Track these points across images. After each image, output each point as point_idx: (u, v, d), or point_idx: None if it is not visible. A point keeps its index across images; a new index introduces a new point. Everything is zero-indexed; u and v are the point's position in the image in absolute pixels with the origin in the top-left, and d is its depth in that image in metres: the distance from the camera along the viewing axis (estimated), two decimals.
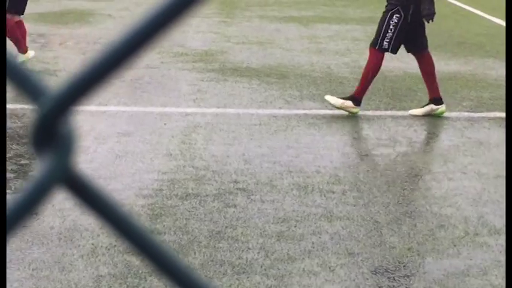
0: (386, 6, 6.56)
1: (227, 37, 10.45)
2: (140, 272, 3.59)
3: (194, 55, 9.05)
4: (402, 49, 6.68)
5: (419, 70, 6.76)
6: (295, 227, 4.18)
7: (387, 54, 6.63)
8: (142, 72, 7.97)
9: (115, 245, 3.85)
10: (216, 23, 11.78)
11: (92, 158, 5.21)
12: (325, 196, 4.66)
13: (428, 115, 6.54)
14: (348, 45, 10.01)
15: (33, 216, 4.16)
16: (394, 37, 6.39)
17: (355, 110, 6.47)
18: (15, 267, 3.58)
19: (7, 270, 3.55)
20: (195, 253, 3.81)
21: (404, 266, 3.80)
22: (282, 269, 3.67)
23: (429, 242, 4.08)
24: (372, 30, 11.41)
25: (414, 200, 4.65)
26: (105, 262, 3.67)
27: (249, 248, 3.88)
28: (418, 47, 6.56)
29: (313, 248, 3.92)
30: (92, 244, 3.86)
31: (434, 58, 6.74)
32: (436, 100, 6.53)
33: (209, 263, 3.70)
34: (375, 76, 6.54)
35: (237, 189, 4.74)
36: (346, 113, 6.52)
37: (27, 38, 8.36)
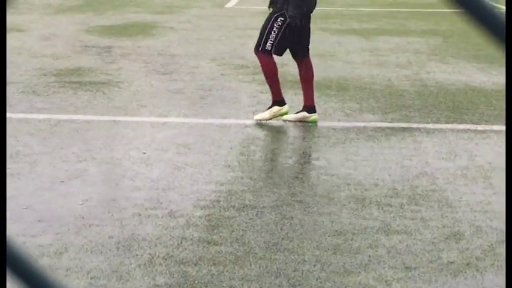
0: (272, 9, 6.55)
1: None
2: (196, 282, 3.61)
3: (255, 67, 9.07)
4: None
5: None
6: (351, 240, 4.16)
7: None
8: (203, 84, 8.04)
9: (172, 255, 3.89)
10: None
11: (151, 169, 5.27)
12: (382, 209, 4.63)
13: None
14: (409, 57, 9.94)
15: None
16: (277, 39, 6.45)
17: (284, 109, 6.53)
18: (73, 276, 3.64)
19: (66, 278, 3.61)
20: (250, 264, 3.82)
21: (462, 281, 3.74)
22: (337, 282, 3.66)
23: (489, 257, 4.02)
24: (434, 42, 11.33)
25: (474, 215, 4.59)
26: (162, 272, 3.70)
27: (304, 260, 3.88)
28: (301, 52, 6.64)
29: (370, 261, 3.89)
30: (149, 254, 3.90)
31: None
32: (310, 108, 6.58)
33: (265, 274, 3.71)
34: (275, 75, 6.60)
35: (294, 201, 4.74)
36: (406, 125, 6.51)
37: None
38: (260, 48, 6.54)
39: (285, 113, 6.48)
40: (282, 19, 6.39)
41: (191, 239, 4.11)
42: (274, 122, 6.61)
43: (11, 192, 4.73)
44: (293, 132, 6.32)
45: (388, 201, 4.76)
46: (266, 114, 6.49)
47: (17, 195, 4.71)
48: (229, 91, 7.82)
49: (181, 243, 4.05)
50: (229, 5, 16.40)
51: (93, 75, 8.35)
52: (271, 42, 6.44)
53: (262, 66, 6.63)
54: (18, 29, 11.74)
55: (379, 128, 6.50)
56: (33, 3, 15.18)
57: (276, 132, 6.29)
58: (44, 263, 3.76)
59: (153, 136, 6.09)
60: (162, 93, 7.61)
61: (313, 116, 6.57)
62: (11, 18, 12.97)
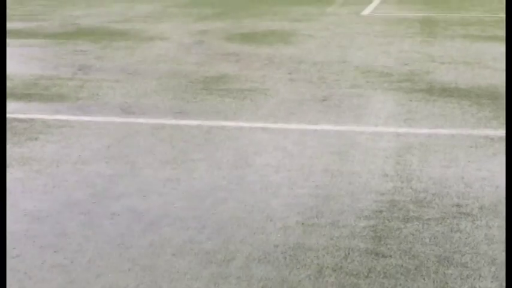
0: None
1: (431, 57, 10.22)
2: None
3: (399, 75, 8.90)
4: None
5: None
6: None
7: None
8: (349, 92, 7.93)
9: (341, 266, 3.79)
10: (418, 43, 11.56)
11: (307, 177, 5.19)
12: None
13: None
14: None
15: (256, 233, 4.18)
16: None
17: None
18: (243, 284, 3.59)
19: (235, 287, 3.56)
20: (424, 279, 3.67)
21: None
22: None
23: None
24: None
25: None
26: (333, 283, 3.60)
27: (480, 276, 3.70)
28: None
29: None
30: (318, 264, 3.81)
31: None
32: None
33: None
34: None
35: (460, 213, 4.55)
36: None
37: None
38: None
39: None
40: None
41: (358, 250, 4.00)
42: (428, 131, 6.41)
43: (171, 198, 4.75)
44: (448, 141, 6.11)
45: None
46: None
47: (177, 200, 4.72)
48: (377, 99, 7.67)
49: (348, 254, 3.94)
50: (365, 12, 16.23)
51: (239, 82, 8.38)
52: None
53: None
54: (161, 37, 11.96)
55: None
56: (172, 12, 15.47)
57: (430, 142, 6.10)
58: (213, 270, 3.73)
59: (305, 144, 6.02)
60: (309, 100, 7.54)
61: None
62: (152, 27, 13.25)
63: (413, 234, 4.22)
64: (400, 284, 3.61)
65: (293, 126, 6.60)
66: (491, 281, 3.65)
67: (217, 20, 14.41)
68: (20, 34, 12.27)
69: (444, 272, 3.74)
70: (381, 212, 4.56)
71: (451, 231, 4.28)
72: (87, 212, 4.52)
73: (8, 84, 8.18)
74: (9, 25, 13.13)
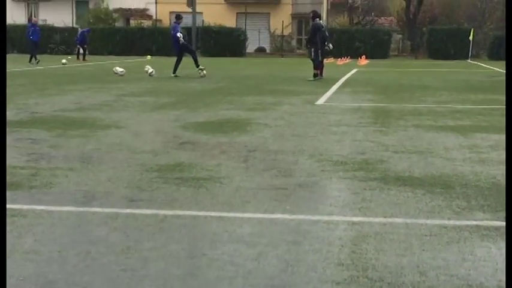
0: None
1: (385, 146, 10.37)
2: None
3: (354, 163, 8.99)
4: None
5: None
6: None
7: None
8: (305, 180, 7.96)
9: None
10: (371, 132, 11.74)
11: (263, 266, 5.16)
12: None
13: None
14: None
15: None
16: None
17: None
18: None
19: None
20: None
21: None
22: None
23: None
24: None
25: None
26: None
27: None
28: None
29: None
30: None
31: None
32: None
33: None
34: None
35: None
36: None
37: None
38: None
39: None
40: None
41: None
42: (382, 220, 6.44)
43: None
44: (403, 230, 6.14)
45: None
46: None
47: None
48: (332, 188, 7.71)
49: None
50: (319, 102, 16.48)
51: (194, 171, 8.37)
52: None
53: None
54: (116, 126, 11.96)
55: (493, 227, 6.26)
56: (128, 101, 15.53)
57: (385, 230, 6.12)
58: None
59: (261, 233, 5.99)
60: (264, 189, 7.55)
61: None
62: (108, 116, 13.26)
63: None
64: None
65: (248, 215, 6.58)
66: None
67: (173, 108, 14.49)
68: None
69: None
70: None
71: None
72: None
73: None
74: None
